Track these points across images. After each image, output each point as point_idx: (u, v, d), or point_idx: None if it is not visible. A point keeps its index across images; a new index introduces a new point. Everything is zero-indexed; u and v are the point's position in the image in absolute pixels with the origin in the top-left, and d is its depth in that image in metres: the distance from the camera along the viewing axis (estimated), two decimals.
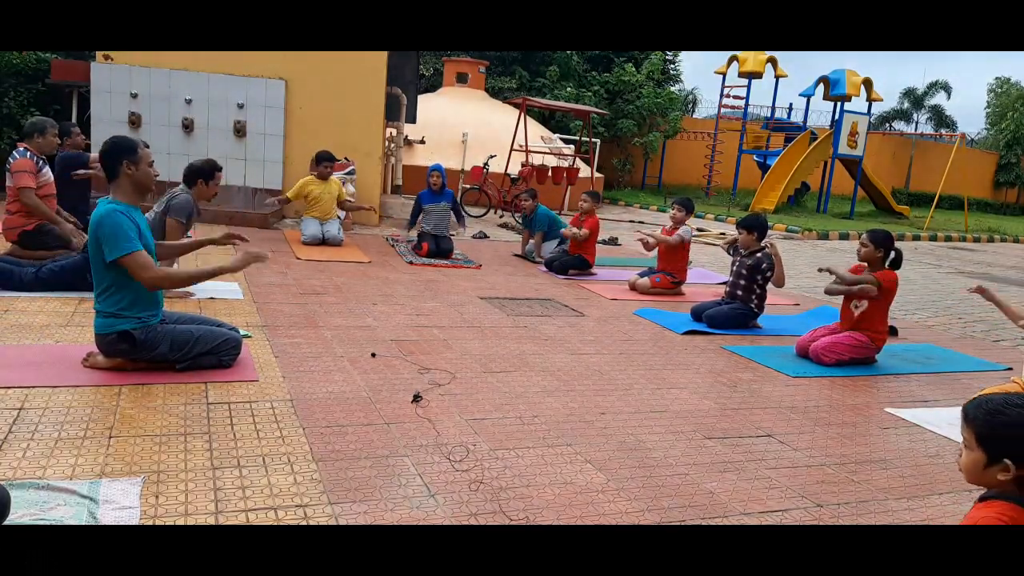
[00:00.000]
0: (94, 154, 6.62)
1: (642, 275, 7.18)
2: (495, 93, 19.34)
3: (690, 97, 30.02)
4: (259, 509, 2.46)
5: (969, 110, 74.84)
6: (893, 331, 5.88)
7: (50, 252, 5.78)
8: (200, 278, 3.86)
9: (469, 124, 15.20)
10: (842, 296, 5.19)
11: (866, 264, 5.10)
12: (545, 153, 14.82)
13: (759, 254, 5.80)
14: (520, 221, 10.82)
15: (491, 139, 14.67)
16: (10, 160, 5.71)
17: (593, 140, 17.22)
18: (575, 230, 7.68)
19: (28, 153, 5.74)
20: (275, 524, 2.38)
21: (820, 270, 5.41)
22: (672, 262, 7.14)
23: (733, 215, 17.00)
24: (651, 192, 22.66)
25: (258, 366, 3.87)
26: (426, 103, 14.71)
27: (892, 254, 5.04)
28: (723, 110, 23.42)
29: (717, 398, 4.13)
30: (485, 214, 12.65)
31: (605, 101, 21.24)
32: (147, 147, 3.65)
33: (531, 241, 8.68)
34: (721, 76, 21.60)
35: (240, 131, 9.42)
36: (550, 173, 13.98)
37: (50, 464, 2.62)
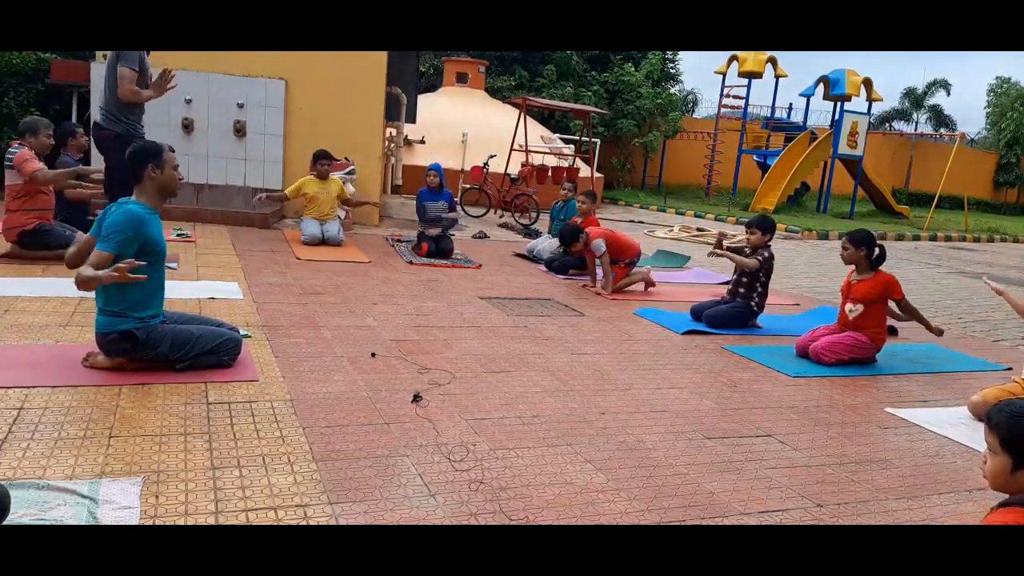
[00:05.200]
0: (94, 167, 6.49)
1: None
2: (495, 92, 19.32)
3: (690, 97, 30.04)
4: (259, 509, 2.46)
5: (969, 110, 74.90)
6: (893, 331, 5.88)
7: (50, 252, 5.79)
8: (96, 281, 3.33)
9: (469, 124, 15.18)
10: (841, 298, 5.22)
11: (853, 268, 5.15)
12: (545, 153, 14.81)
13: (766, 253, 5.82)
14: (542, 225, 10.70)
15: (491, 139, 14.65)
16: (9, 156, 5.71)
17: (593, 140, 17.21)
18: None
19: (25, 147, 5.75)
20: (275, 524, 2.38)
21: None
22: (615, 254, 7.08)
23: (733, 215, 17.01)
24: (651, 192, 22.65)
25: (258, 366, 3.87)
26: (426, 103, 14.70)
27: (876, 251, 5.07)
28: (723, 110, 23.43)
29: (717, 398, 4.13)
30: (485, 214, 12.65)
31: (605, 101, 21.23)
32: (172, 151, 3.68)
33: (535, 240, 8.66)
34: (721, 76, 21.61)
35: (240, 131, 9.41)
36: (550, 173, 13.98)
37: (50, 464, 2.62)
